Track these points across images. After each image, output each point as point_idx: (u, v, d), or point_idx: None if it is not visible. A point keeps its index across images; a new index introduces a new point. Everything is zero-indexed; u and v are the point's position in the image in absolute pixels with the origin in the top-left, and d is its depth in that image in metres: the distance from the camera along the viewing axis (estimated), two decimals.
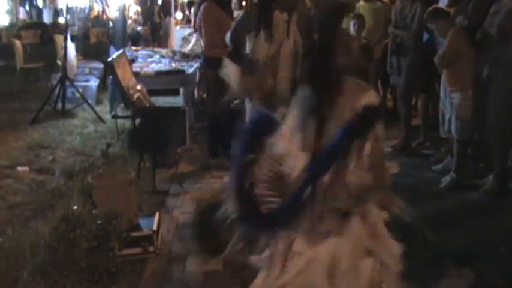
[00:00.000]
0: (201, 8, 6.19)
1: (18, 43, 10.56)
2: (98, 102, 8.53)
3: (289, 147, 2.07)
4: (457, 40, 4.67)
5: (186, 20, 12.57)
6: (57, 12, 13.95)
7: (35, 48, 11.36)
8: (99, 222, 3.51)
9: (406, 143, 5.98)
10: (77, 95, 8.02)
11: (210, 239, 3.30)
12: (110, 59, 5.86)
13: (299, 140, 2.06)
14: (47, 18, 14.70)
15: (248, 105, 4.18)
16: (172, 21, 12.56)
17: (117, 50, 7.76)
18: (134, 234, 3.65)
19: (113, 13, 12.63)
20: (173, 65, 7.12)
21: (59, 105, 7.91)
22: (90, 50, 11.78)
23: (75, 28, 13.70)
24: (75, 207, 3.74)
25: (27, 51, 10.97)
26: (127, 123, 6.30)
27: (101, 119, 7.43)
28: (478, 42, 4.67)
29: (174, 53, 8.03)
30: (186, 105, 6.02)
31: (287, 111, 2.15)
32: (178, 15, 13.43)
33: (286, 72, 4.17)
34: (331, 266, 1.96)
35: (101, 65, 9.16)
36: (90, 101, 8.03)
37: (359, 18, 5.98)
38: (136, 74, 6.17)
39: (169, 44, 11.00)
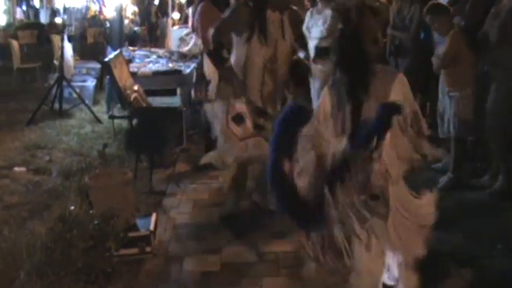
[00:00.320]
0: (198, 8, 6.16)
1: (15, 43, 10.55)
2: (95, 102, 8.51)
3: (324, 132, 2.33)
4: (456, 42, 4.64)
5: (184, 20, 12.56)
6: (54, 13, 13.90)
7: (32, 49, 11.32)
8: (96, 222, 3.51)
9: None
10: (74, 95, 8.00)
11: None
12: (107, 59, 5.85)
13: (335, 124, 2.34)
14: (44, 18, 14.66)
15: (209, 107, 4.10)
16: (169, 21, 12.58)
17: (114, 50, 7.77)
18: (131, 234, 3.64)
19: (110, 13, 12.66)
20: (170, 65, 7.09)
21: (56, 106, 7.90)
22: (87, 50, 11.77)
23: (72, 28, 13.67)
24: (72, 208, 3.74)
25: (24, 52, 10.94)
26: (124, 123, 6.30)
27: (98, 119, 7.41)
28: (477, 44, 4.64)
29: (171, 53, 8.01)
30: (183, 105, 6.01)
31: (319, 100, 2.47)
32: (175, 15, 13.45)
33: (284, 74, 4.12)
34: None
35: (98, 65, 9.14)
36: (87, 101, 8.01)
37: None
38: (133, 74, 6.16)
39: (166, 44, 11.00)
